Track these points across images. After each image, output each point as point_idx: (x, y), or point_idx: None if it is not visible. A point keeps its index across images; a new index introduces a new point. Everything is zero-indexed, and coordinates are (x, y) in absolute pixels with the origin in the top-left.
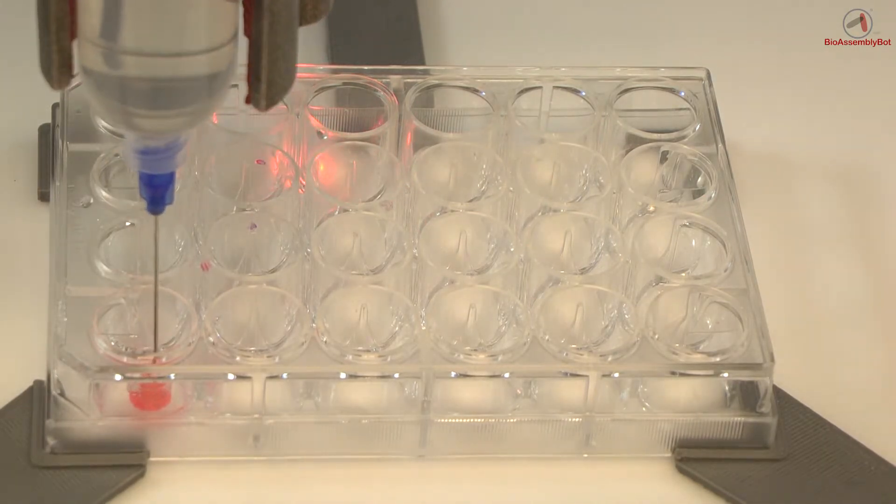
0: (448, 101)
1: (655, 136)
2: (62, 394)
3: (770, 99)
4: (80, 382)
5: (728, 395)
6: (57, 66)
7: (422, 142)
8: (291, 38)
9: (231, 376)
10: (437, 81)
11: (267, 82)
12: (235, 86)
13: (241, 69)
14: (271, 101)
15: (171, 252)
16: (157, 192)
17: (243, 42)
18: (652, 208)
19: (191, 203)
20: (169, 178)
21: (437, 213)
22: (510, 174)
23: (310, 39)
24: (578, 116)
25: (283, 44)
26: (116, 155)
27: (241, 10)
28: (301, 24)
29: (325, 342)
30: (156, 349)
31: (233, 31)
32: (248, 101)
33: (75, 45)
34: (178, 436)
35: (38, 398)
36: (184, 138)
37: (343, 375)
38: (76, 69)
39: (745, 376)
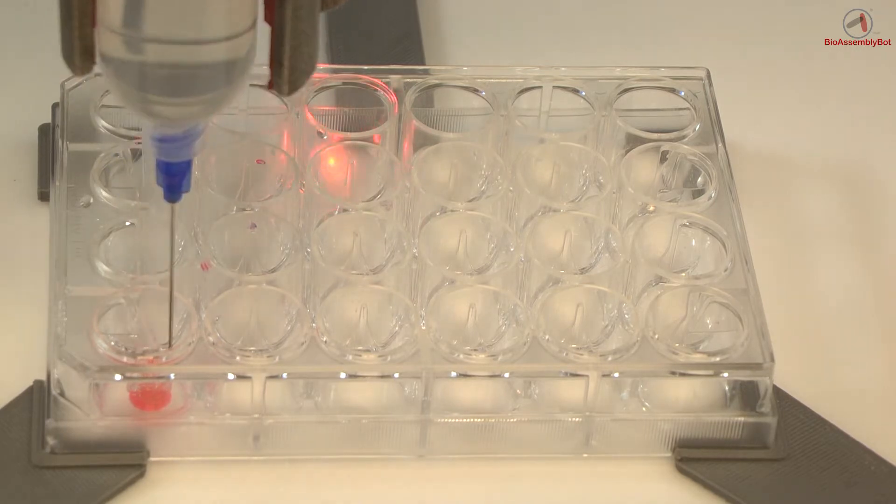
0: (448, 101)
1: (655, 136)
2: (62, 394)
3: (770, 99)
4: (80, 382)
5: (728, 394)
6: (79, 53)
7: (422, 142)
8: (313, 23)
9: (231, 376)
10: (437, 81)
11: (290, 67)
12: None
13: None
14: (294, 87)
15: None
16: (173, 179)
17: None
18: (652, 208)
19: (191, 203)
20: (186, 166)
21: (437, 213)
22: (510, 174)
23: None
24: (578, 116)
25: (305, 29)
26: (116, 155)
27: None
28: (322, 10)
29: (325, 342)
30: (171, 343)
31: (252, 18)
32: (270, 86)
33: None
34: (178, 436)
35: (38, 398)
36: (202, 126)
37: (343, 375)
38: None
39: (745, 376)
